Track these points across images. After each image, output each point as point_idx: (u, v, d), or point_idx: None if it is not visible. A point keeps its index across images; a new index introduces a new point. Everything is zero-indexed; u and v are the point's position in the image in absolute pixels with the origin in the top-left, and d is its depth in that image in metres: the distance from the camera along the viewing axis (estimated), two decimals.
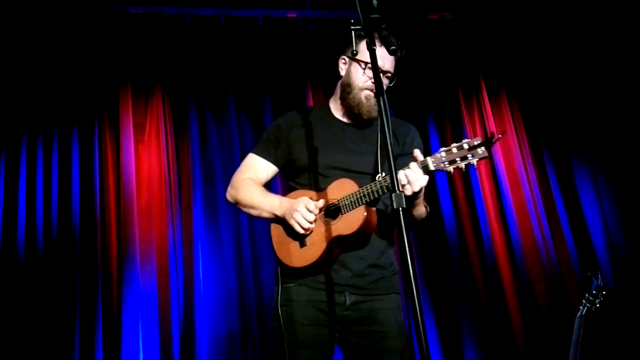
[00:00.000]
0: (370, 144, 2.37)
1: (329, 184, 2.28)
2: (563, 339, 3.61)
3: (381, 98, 1.73)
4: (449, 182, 4.61)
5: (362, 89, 2.36)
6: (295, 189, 2.38)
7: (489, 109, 4.82)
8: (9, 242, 3.83)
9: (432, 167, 2.07)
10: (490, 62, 4.96)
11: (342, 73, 2.44)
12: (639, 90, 4.72)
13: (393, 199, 1.64)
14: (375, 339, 2.26)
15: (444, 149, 2.05)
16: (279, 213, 2.28)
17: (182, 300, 3.97)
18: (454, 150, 2.03)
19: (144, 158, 4.20)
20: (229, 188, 2.46)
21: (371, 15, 1.81)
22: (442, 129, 4.76)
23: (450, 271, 4.40)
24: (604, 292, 3.25)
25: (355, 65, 2.38)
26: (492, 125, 4.77)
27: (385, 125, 1.69)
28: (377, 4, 1.82)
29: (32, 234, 3.87)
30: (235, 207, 2.47)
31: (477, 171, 4.62)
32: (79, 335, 3.74)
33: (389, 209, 2.33)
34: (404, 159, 2.27)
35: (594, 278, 3.30)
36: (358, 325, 2.27)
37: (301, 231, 2.22)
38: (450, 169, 2.04)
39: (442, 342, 4.23)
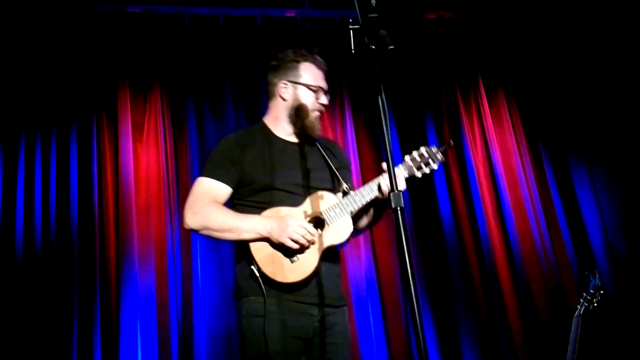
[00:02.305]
0: (318, 161, 2.52)
1: (298, 199, 2.37)
2: (561, 338, 3.62)
3: (381, 97, 1.75)
4: (447, 182, 4.62)
5: (313, 111, 2.52)
6: (247, 208, 2.40)
7: (487, 107, 4.82)
8: (7, 240, 3.82)
9: (406, 174, 2.40)
10: (488, 61, 4.97)
11: (286, 96, 2.53)
12: (637, 89, 4.73)
13: (391, 198, 1.66)
14: (332, 352, 2.33)
15: (407, 156, 2.40)
16: (263, 232, 2.29)
17: (181, 300, 3.96)
18: (417, 157, 2.44)
19: (142, 157, 4.19)
20: (189, 215, 2.39)
21: (369, 15, 1.82)
22: (439, 127, 4.75)
23: (448, 271, 4.40)
24: (601, 292, 3.26)
25: (302, 89, 2.52)
26: (490, 123, 4.77)
27: (385, 131, 1.72)
28: (376, 4, 1.82)
29: (30, 232, 3.86)
30: (199, 233, 2.43)
31: (475, 170, 4.63)
32: (77, 334, 3.73)
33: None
34: (343, 172, 2.54)
35: (591, 277, 3.31)
36: (320, 338, 2.33)
37: (297, 247, 2.26)
38: (419, 174, 2.42)
39: (440, 342, 4.23)
